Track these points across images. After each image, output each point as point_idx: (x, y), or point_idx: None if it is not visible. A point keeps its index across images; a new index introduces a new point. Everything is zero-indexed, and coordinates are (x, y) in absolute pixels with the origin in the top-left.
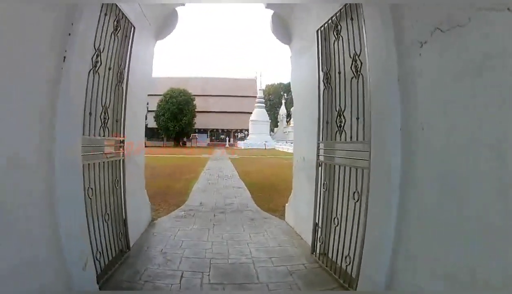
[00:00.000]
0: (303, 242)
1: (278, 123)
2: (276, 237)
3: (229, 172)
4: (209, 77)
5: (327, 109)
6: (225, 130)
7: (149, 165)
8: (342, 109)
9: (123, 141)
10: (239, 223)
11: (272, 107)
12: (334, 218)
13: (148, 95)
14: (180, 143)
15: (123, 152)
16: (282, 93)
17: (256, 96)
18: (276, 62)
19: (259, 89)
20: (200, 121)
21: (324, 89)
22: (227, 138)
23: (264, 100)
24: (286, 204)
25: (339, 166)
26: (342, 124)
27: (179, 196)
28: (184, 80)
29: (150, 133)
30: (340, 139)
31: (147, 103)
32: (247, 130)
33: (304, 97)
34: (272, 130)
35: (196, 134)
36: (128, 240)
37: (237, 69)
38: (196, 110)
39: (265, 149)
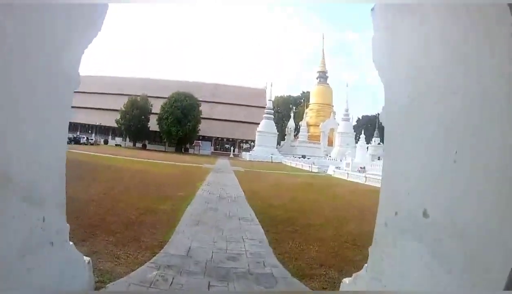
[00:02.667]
0: None
1: (285, 137)
2: None
3: (233, 190)
4: (217, 84)
5: None
6: (230, 140)
7: (139, 173)
8: None
9: None
10: None
11: (279, 120)
12: None
13: (152, 96)
14: (183, 149)
15: None
16: (291, 106)
17: (264, 107)
18: (285, 74)
19: (269, 100)
20: (204, 128)
21: None
22: (232, 148)
23: (273, 112)
24: (346, 280)
25: None
26: None
27: (160, 229)
28: (191, 84)
29: (152, 137)
30: None
31: (150, 105)
32: (253, 141)
33: (432, 78)
34: (278, 143)
35: (200, 141)
36: None
37: (246, 78)
38: (201, 116)
39: (272, 162)
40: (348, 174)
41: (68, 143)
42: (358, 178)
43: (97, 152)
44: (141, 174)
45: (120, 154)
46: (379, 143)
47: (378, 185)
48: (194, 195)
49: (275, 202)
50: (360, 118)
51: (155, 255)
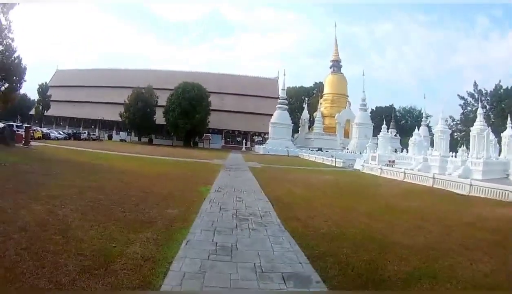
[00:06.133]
0: None
1: (299, 129)
2: None
3: (255, 201)
4: (226, 74)
5: None
6: (242, 132)
7: (124, 175)
8: None
9: None
10: None
11: (292, 112)
12: None
13: (158, 89)
14: (191, 143)
15: None
16: (303, 97)
17: (277, 97)
18: (296, 66)
19: (282, 89)
20: (214, 121)
21: None
22: (244, 141)
23: (287, 102)
24: None
25: None
26: None
27: None
28: (197, 75)
29: (159, 131)
30: None
31: (156, 97)
32: (266, 133)
33: None
34: (292, 135)
35: (210, 134)
36: None
37: (256, 68)
38: (210, 108)
39: (288, 155)
40: (381, 169)
41: (66, 139)
42: (395, 175)
43: (91, 148)
44: (127, 176)
45: (117, 149)
46: (395, 135)
47: (421, 183)
48: (196, 213)
49: (324, 225)
50: (374, 109)
51: None
